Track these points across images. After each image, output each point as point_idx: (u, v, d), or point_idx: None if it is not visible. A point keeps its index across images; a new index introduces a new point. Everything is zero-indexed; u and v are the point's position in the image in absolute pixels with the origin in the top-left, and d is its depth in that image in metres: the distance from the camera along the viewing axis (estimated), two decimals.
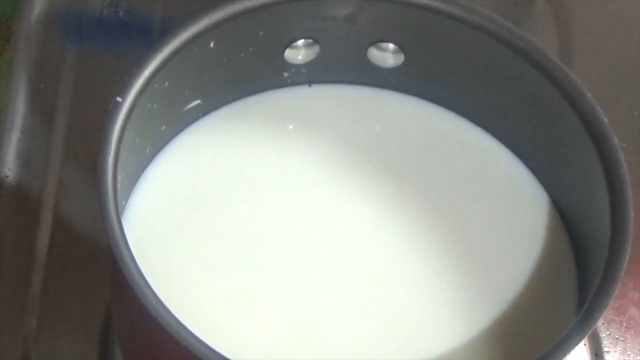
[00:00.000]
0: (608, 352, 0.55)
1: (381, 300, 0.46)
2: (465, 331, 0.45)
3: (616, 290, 0.41)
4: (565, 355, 0.40)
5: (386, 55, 0.51)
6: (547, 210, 0.50)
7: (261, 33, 0.48)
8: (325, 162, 0.50)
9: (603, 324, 0.56)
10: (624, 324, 0.56)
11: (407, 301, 0.46)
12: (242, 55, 0.49)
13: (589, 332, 0.41)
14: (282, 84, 0.52)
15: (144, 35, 0.64)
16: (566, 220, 0.49)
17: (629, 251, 0.42)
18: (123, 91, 0.43)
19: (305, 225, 0.48)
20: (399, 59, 0.51)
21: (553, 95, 0.46)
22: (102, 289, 0.53)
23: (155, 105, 0.46)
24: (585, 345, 0.55)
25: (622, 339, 0.56)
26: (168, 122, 0.49)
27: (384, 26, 0.50)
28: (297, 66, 0.51)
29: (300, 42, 0.50)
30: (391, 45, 0.51)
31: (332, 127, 0.51)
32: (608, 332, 0.56)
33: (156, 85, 0.45)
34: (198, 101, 0.50)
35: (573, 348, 0.40)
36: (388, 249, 0.48)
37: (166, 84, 0.46)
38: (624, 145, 0.45)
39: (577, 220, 0.48)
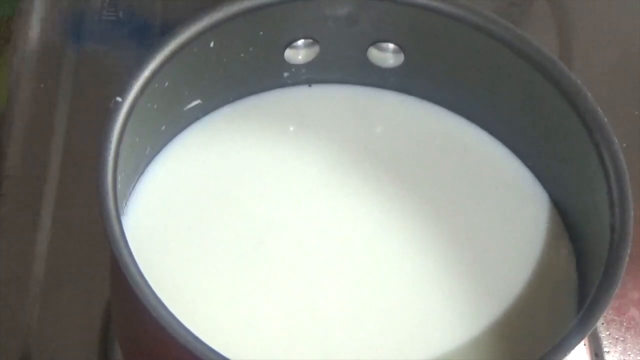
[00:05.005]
0: (608, 352, 0.55)
1: (381, 301, 0.46)
2: (466, 331, 0.45)
3: (616, 290, 0.41)
4: (565, 355, 0.40)
5: (386, 55, 0.51)
6: (547, 210, 0.50)
7: (261, 33, 0.48)
8: (325, 162, 0.50)
9: (603, 324, 0.56)
10: (624, 324, 0.56)
11: (408, 301, 0.46)
12: (242, 55, 0.49)
13: (589, 332, 0.41)
14: (282, 84, 0.52)
15: (144, 36, 0.64)
16: (566, 220, 0.49)
17: (629, 251, 0.42)
18: (123, 91, 0.43)
19: (305, 225, 0.48)
20: (399, 59, 0.51)
21: (553, 95, 0.46)
22: (102, 289, 0.53)
23: (155, 105, 0.46)
24: (585, 345, 0.55)
25: (622, 339, 0.56)
26: (168, 122, 0.49)
27: (384, 26, 0.50)
28: (297, 66, 0.51)
29: (300, 42, 0.50)
30: (391, 45, 0.51)
31: (332, 127, 0.51)
32: (608, 332, 0.56)
33: (156, 85, 0.45)
34: (198, 101, 0.50)
35: (573, 348, 0.40)
36: (387, 248, 0.48)
37: (166, 84, 0.46)
38: (624, 145, 0.45)
39: (577, 220, 0.48)
